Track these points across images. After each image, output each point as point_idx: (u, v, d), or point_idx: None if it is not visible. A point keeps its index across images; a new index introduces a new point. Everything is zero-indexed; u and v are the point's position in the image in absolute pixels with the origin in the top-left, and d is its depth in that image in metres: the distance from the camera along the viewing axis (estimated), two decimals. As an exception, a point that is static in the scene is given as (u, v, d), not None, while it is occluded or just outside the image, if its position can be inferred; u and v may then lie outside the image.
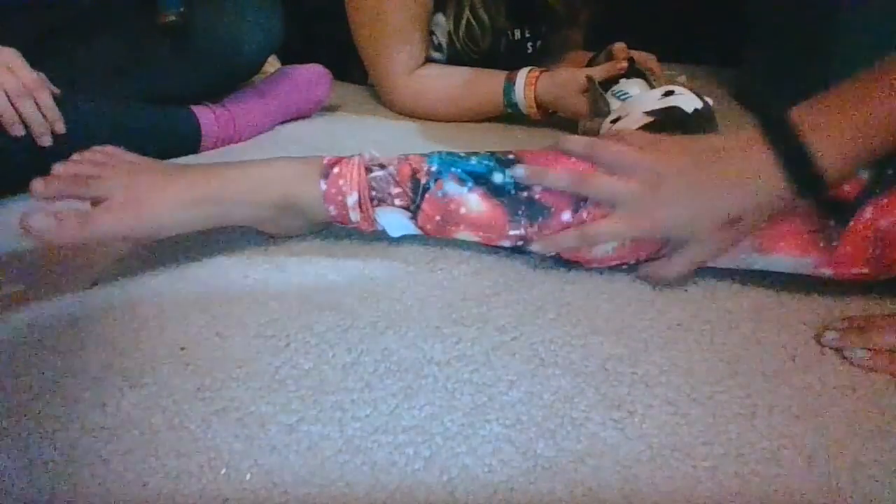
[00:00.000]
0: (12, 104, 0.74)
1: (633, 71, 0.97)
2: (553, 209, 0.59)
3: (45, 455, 0.43)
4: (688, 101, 0.83)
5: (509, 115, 1.09)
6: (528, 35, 1.21)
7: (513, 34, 1.19)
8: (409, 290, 0.62)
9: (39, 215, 0.56)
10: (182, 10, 0.87)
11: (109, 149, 0.64)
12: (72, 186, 0.59)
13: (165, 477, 0.42)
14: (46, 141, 0.77)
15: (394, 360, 0.52)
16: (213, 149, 0.96)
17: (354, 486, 0.41)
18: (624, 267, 0.63)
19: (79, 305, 0.59)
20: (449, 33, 1.13)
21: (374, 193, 0.62)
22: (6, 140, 0.74)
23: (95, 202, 0.59)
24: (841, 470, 0.43)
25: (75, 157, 0.62)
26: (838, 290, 0.61)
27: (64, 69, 0.79)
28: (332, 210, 0.63)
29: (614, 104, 0.92)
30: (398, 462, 0.43)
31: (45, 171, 0.81)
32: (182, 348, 0.53)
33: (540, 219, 0.60)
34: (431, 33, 1.13)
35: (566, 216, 0.59)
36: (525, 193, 0.60)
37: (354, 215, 0.63)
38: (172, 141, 0.92)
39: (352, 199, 0.62)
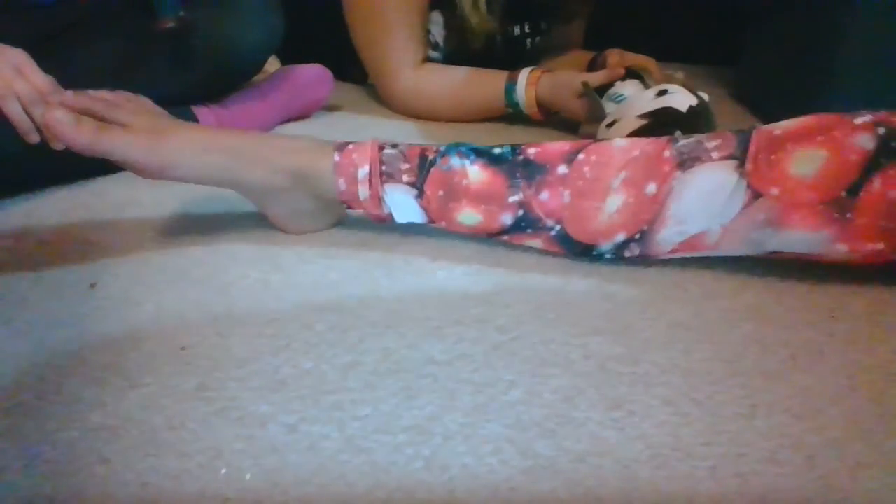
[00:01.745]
0: (26, 111, 0.74)
1: (629, 73, 0.98)
2: (548, 166, 0.61)
3: (45, 455, 0.43)
4: (681, 99, 0.83)
5: (510, 114, 1.09)
6: (527, 31, 1.21)
7: (511, 30, 1.19)
8: (409, 290, 0.62)
9: (62, 110, 0.58)
10: (181, 14, 0.87)
11: (139, 96, 0.67)
12: (99, 104, 0.61)
13: (165, 477, 0.42)
14: (60, 145, 0.77)
15: (394, 360, 0.52)
16: (213, 149, 0.96)
17: (354, 486, 0.41)
18: (632, 250, 0.63)
19: (79, 305, 0.59)
20: (445, 30, 1.13)
21: (384, 168, 0.63)
22: (19, 147, 0.74)
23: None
24: (841, 470, 0.43)
25: (105, 91, 0.64)
26: (839, 289, 0.61)
27: (63, 71, 0.79)
28: (343, 184, 0.64)
29: (610, 107, 0.92)
30: (398, 462, 0.43)
31: (52, 173, 0.81)
32: (182, 348, 0.53)
33: (537, 176, 0.62)
34: (428, 31, 1.13)
35: (562, 169, 0.61)
36: (521, 157, 0.62)
37: (363, 191, 0.64)
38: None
39: (363, 172, 0.63)
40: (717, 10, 1.52)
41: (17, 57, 0.75)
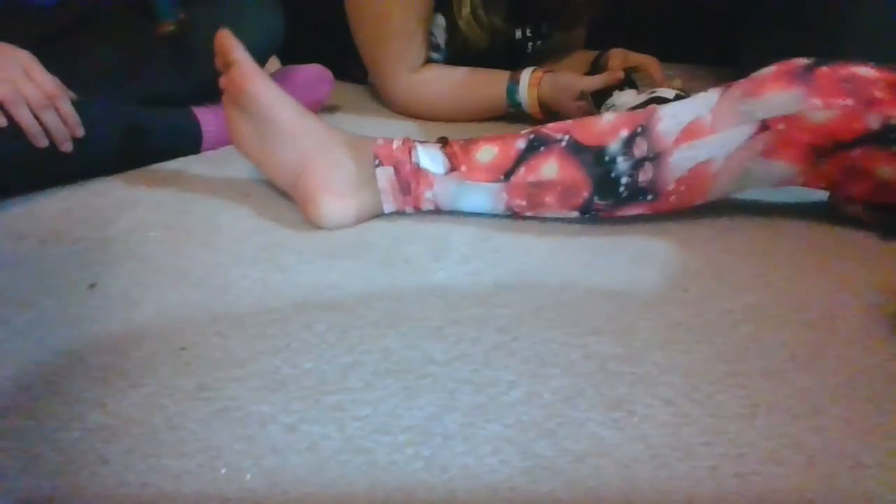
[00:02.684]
0: (34, 115, 0.74)
1: (629, 80, 0.99)
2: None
3: (45, 455, 0.43)
4: (670, 92, 0.85)
5: (511, 114, 1.09)
6: (529, 34, 1.21)
7: (513, 33, 1.19)
8: (409, 290, 0.62)
9: None
10: (181, 17, 0.87)
11: None
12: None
13: (165, 477, 0.42)
14: (68, 147, 0.77)
15: (394, 360, 0.52)
16: (213, 149, 0.96)
17: (354, 486, 0.41)
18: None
19: (79, 305, 0.59)
20: (447, 33, 1.13)
21: (418, 140, 0.74)
22: (25, 148, 0.74)
23: None
24: (841, 470, 0.43)
25: None
26: (839, 289, 0.61)
27: (64, 72, 0.79)
28: (381, 141, 0.72)
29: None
30: (398, 462, 0.43)
31: (52, 173, 0.81)
32: (182, 348, 0.53)
33: None
34: (430, 33, 1.13)
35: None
36: None
37: (398, 142, 0.72)
38: (173, 141, 0.92)
39: (401, 136, 0.74)
40: (717, 10, 1.52)
41: (23, 59, 0.75)
